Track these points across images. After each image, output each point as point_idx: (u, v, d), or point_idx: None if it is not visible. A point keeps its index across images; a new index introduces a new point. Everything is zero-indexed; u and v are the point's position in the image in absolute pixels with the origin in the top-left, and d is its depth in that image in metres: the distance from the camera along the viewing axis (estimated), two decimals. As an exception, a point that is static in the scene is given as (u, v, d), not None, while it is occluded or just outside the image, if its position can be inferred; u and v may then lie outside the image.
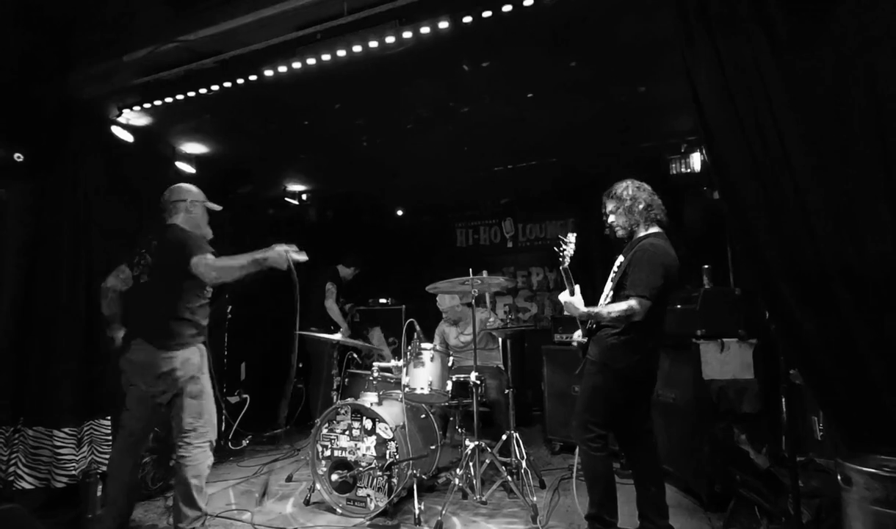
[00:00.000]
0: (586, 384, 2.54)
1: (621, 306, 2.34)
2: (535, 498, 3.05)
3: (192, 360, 2.54)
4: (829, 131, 1.66)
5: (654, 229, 2.54)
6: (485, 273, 3.52)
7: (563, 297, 2.55)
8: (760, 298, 1.96)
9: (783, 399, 2.09)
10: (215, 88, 3.25)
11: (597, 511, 2.47)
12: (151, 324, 2.55)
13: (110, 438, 3.25)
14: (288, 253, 2.44)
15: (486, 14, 2.58)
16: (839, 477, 1.67)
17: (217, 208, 2.89)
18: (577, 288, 2.52)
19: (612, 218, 2.64)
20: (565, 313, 2.58)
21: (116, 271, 2.71)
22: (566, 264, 2.55)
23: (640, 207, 2.55)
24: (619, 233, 2.63)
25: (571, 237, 2.60)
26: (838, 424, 1.65)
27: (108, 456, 3.22)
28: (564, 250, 2.58)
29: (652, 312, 2.36)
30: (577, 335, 2.72)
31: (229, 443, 4.54)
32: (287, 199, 5.76)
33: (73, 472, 3.07)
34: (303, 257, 2.50)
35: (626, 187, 2.61)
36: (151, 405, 2.57)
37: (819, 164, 1.67)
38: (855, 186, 1.61)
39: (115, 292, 2.70)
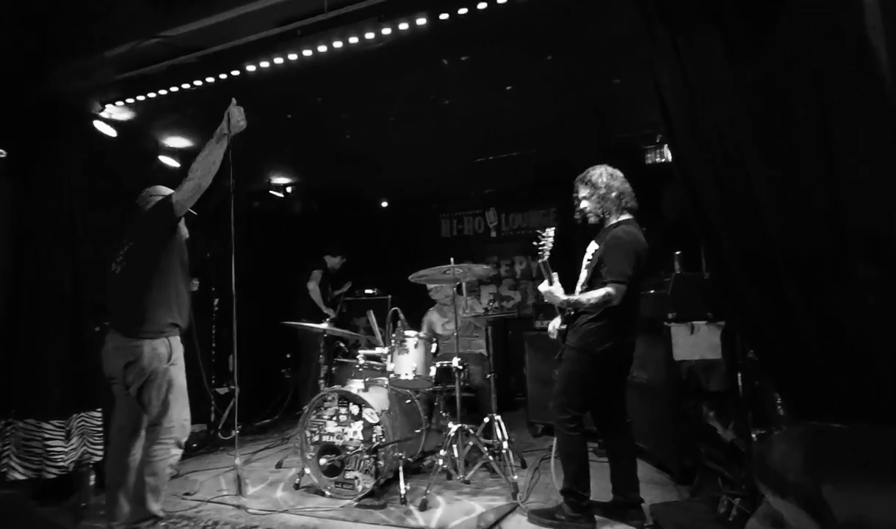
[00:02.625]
0: (565, 368, 2.66)
1: (599, 293, 2.45)
2: (515, 477, 3.18)
3: (159, 351, 2.43)
4: (778, 127, 1.78)
5: (626, 216, 2.65)
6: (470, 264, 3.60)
7: (543, 287, 2.63)
8: (718, 282, 2.09)
9: (739, 375, 2.24)
10: (198, 82, 3.30)
11: (570, 486, 2.61)
12: (124, 312, 2.46)
13: (102, 429, 3.31)
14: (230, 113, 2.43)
15: (463, 11, 2.65)
16: (785, 445, 1.81)
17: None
18: (555, 277, 2.60)
19: (584, 204, 2.71)
20: (545, 301, 2.67)
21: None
22: (545, 257, 2.63)
23: (613, 195, 2.64)
24: (591, 219, 2.72)
25: (550, 231, 2.68)
26: (785, 394, 1.80)
27: (101, 447, 3.29)
28: (543, 244, 2.66)
29: (626, 296, 2.47)
30: (554, 324, 2.83)
31: (219, 433, 4.61)
32: (272, 192, 5.80)
33: (63, 464, 3.11)
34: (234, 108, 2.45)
35: (601, 175, 2.67)
36: (128, 396, 2.48)
37: (769, 158, 1.79)
38: (797, 178, 1.73)
39: None
